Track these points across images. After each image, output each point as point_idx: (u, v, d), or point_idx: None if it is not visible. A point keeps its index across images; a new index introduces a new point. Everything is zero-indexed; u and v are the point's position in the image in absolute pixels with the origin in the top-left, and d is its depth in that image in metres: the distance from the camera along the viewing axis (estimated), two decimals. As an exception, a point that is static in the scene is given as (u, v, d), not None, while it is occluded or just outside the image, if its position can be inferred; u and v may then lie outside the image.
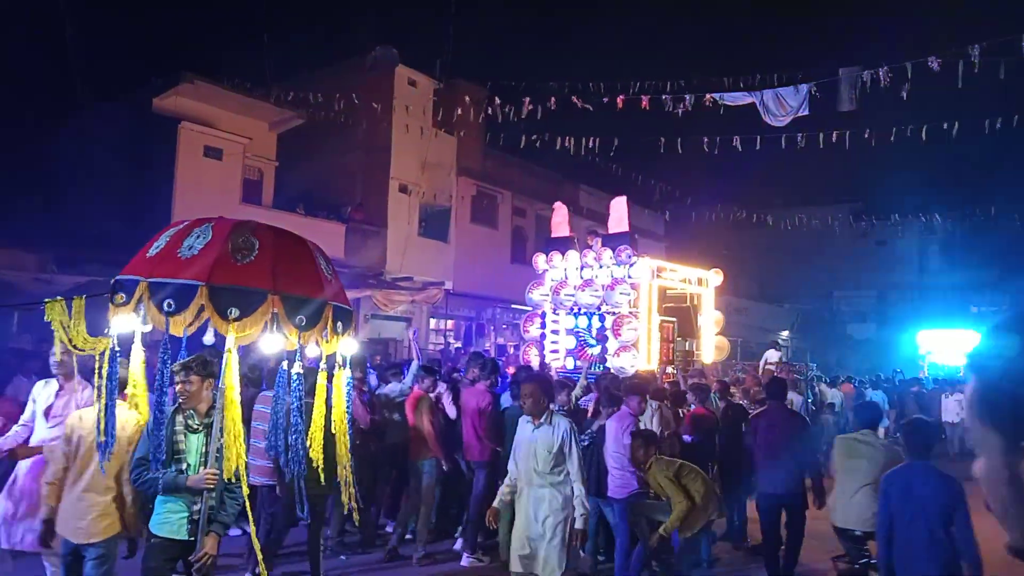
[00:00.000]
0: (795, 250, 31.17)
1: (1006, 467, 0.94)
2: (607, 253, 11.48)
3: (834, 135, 14.02)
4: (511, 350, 20.11)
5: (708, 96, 13.29)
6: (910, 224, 27.69)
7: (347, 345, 3.93)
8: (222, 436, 3.74)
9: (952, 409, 15.44)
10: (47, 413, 5.15)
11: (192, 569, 3.89)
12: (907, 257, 34.12)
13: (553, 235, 13.07)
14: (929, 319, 30.26)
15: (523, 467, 5.06)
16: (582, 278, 11.75)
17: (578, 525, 4.94)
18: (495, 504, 5.28)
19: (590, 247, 12.00)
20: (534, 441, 5.01)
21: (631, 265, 11.29)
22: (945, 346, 28.28)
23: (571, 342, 11.70)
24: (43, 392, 5.25)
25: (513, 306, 21.93)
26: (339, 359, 3.98)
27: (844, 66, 12.64)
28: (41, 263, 12.69)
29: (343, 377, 4.05)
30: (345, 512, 5.97)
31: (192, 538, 3.91)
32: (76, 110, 17.82)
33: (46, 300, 3.41)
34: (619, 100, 13.65)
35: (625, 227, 12.00)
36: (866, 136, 13.96)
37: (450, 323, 21.09)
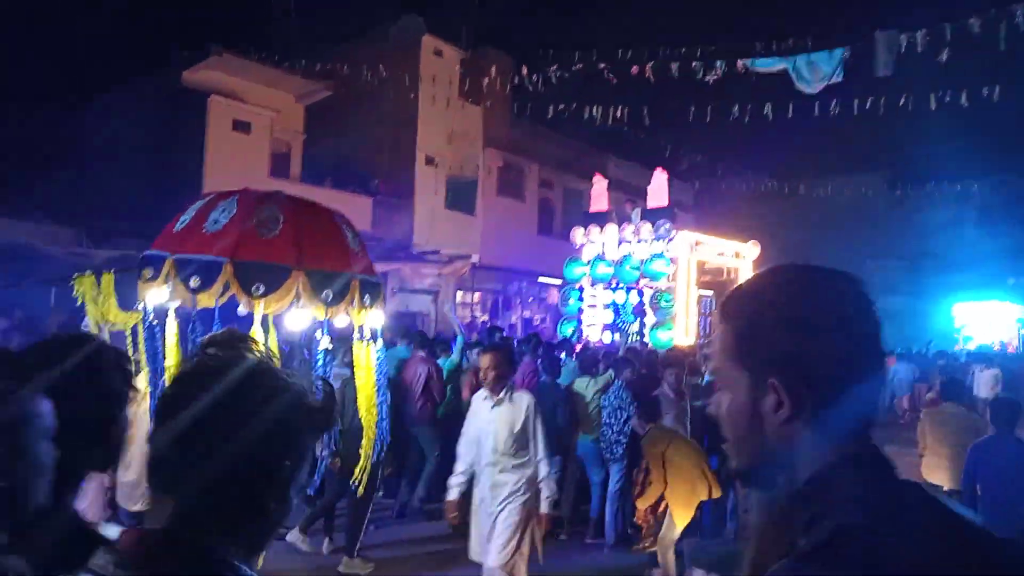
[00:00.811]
0: (828, 219, 30.60)
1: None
2: (646, 227, 11.53)
3: (868, 102, 13.64)
4: (537, 322, 20.14)
5: (739, 63, 13.00)
6: (945, 193, 27.06)
7: (375, 317, 3.93)
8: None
9: (987, 383, 14.56)
10: None
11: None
12: (942, 226, 33.36)
13: (591, 209, 13.21)
14: (964, 290, 29.67)
15: (481, 450, 4.56)
16: (619, 252, 11.72)
17: (544, 509, 4.55)
18: (451, 498, 4.72)
19: (629, 220, 11.95)
20: (493, 421, 4.53)
21: (670, 239, 11.35)
22: (980, 318, 27.75)
23: (609, 316, 11.75)
24: None
25: (540, 279, 21.91)
26: (367, 332, 3.99)
27: (880, 29, 12.27)
28: (76, 237, 12.89)
29: (371, 350, 4.06)
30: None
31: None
32: (107, 85, 17.98)
33: (75, 275, 3.45)
34: (647, 68, 13.41)
35: (665, 201, 12.09)
36: (902, 103, 13.58)
37: (477, 296, 21.12)
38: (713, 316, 1.16)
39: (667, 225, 11.42)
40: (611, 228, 12.04)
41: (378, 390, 4.20)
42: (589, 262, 12.06)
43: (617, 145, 23.57)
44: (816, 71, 12.77)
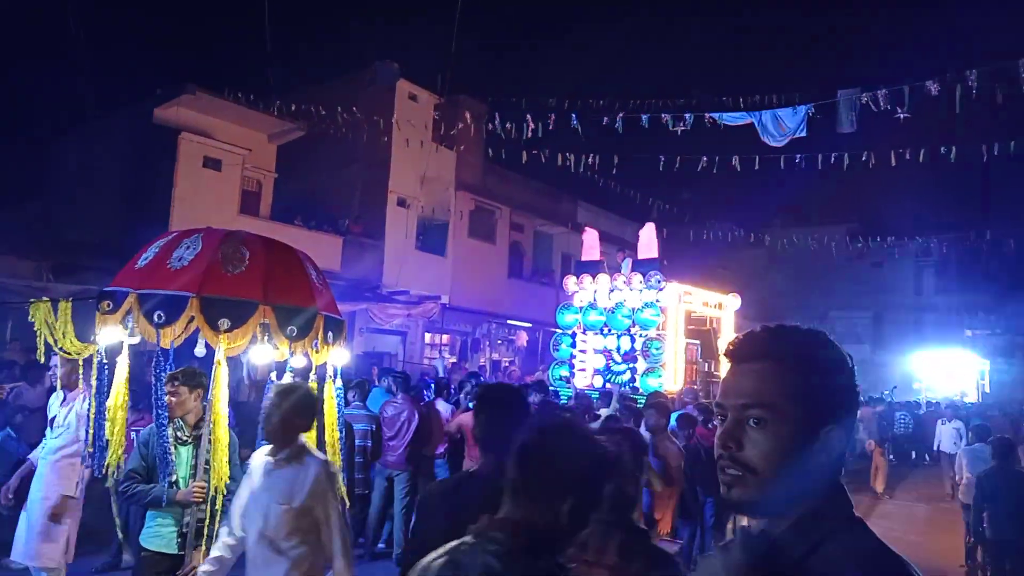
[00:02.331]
0: (792, 270, 31.21)
1: None
2: (637, 277, 12.06)
3: (832, 157, 14.04)
4: (505, 364, 20.09)
5: (707, 116, 13.34)
6: (906, 246, 27.78)
7: (337, 355, 3.91)
8: (210, 448, 3.72)
9: (949, 437, 14.11)
10: (51, 423, 5.12)
11: (179, 583, 3.84)
12: (902, 279, 34.17)
13: (583, 258, 13.85)
14: (924, 341, 30.27)
15: (248, 523, 3.28)
16: (611, 300, 12.40)
17: None
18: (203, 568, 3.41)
19: (619, 270, 12.63)
20: (269, 487, 3.23)
21: (660, 289, 11.87)
22: (938, 369, 28.28)
23: (599, 361, 12.26)
24: (54, 402, 5.23)
25: (509, 321, 21.92)
26: (329, 370, 3.97)
27: (843, 88, 12.69)
28: (37, 271, 12.66)
29: (332, 388, 4.04)
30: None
31: (182, 552, 3.88)
32: (78, 120, 17.88)
33: (31, 300, 3.40)
34: (619, 118, 13.69)
35: (655, 253, 12.69)
36: (864, 158, 13.99)
37: (446, 337, 21.05)
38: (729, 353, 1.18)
39: (658, 276, 11.95)
40: (603, 278, 12.58)
41: (339, 428, 4.17)
42: (581, 309, 12.61)
43: (587, 191, 23.91)
44: (781, 125, 13.15)
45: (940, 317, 32.78)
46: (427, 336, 20.37)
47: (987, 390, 28.43)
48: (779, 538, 1.17)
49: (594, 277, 12.71)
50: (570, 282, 13.16)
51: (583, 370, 12.44)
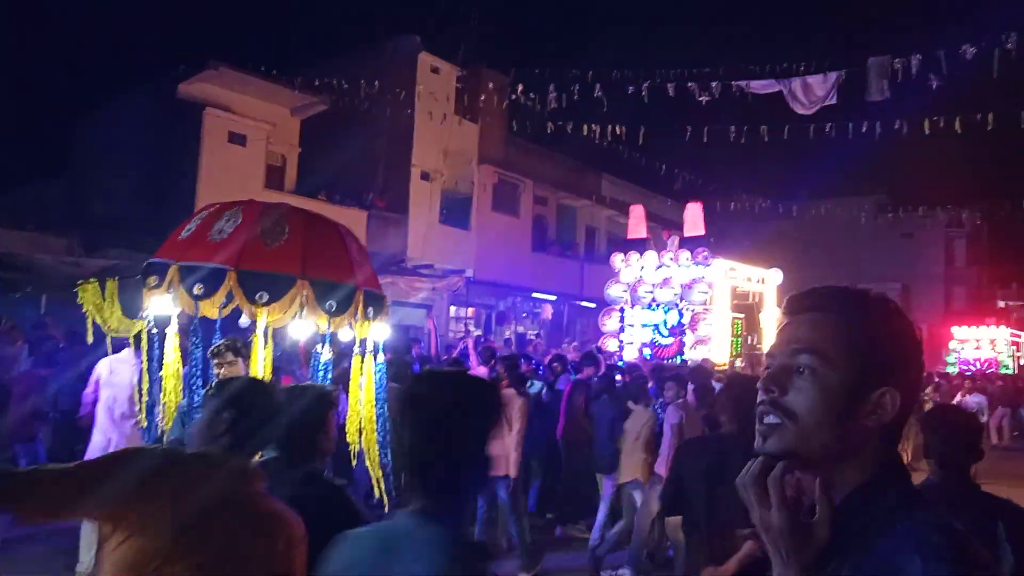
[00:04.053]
0: (821, 241, 30.84)
1: None
2: (684, 254, 12.50)
3: (864, 126, 13.75)
4: (531, 337, 20.12)
5: (735, 84, 13.10)
6: (936, 216, 27.29)
7: (378, 330, 3.90)
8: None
9: (970, 407, 14.21)
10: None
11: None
12: (933, 250, 33.64)
13: (629, 236, 14.28)
14: (955, 313, 29.84)
15: None
16: (658, 275, 12.86)
17: None
18: None
19: (666, 247, 13.06)
20: None
21: (707, 266, 12.30)
22: (972, 340, 27.89)
23: (646, 335, 12.72)
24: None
25: (534, 295, 21.90)
26: (370, 345, 3.95)
27: (874, 55, 12.39)
28: (68, 247, 12.82)
29: (372, 363, 4.03)
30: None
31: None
32: (103, 97, 17.97)
33: (79, 282, 3.42)
34: (643, 88, 13.49)
35: (701, 230, 13.10)
36: (895, 127, 13.69)
37: (471, 311, 21.09)
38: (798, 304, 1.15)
39: (705, 252, 12.37)
40: (651, 254, 13.04)
41: (377, 404, 4.16)
42: (629, 284, 13.09)
43: (611, 164, 23.70)
44: (811, 93, 12.89)
45: (972, 289, 32.26)
46: (452, 309, 20.42)
47: (1022, 362, 28.02)
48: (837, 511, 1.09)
49: (641, 254, 13.12)
50: (617, 259, 13.50)
51: (631, 343, 12.87)
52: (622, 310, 13.19)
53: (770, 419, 1.13)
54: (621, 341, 13.05)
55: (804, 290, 1.22)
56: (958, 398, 14.64)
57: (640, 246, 13.40)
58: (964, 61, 11.13)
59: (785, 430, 1.12)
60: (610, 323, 13.28)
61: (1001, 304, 30.79)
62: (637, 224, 14.19)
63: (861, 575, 1.03)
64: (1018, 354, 28.57)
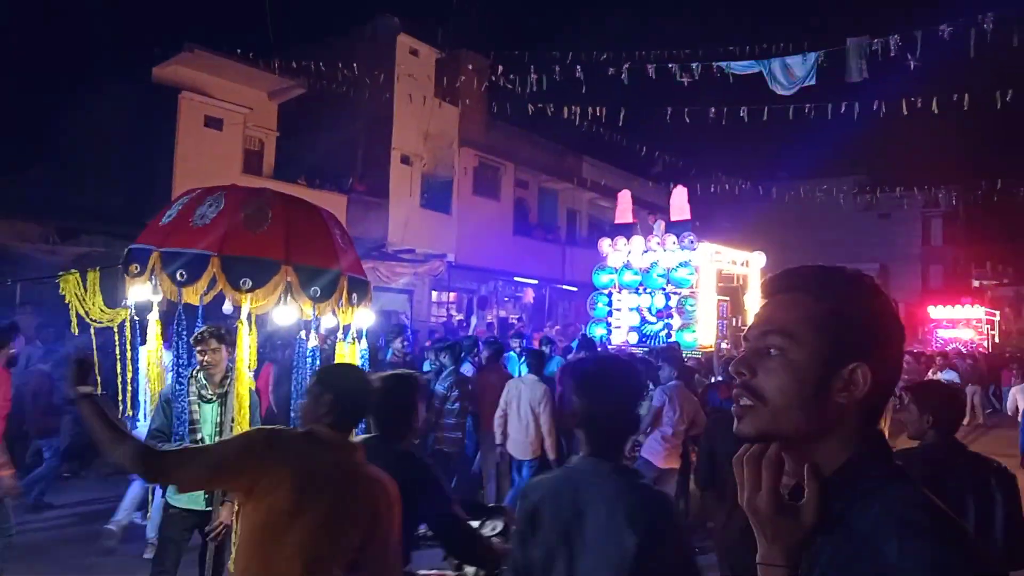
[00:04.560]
0: (798, 221, 31.06)
1: None
2: (670, 238, 12.69)
3: (843, 107, 13.83)
4: (513, 321, 20.14)
5: (715, 65, 13.10)
6: (914, 197, 27.55)
7: (362, 316, 3.88)
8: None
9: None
10: None
11: (207, 539, 3.89)
12: (910, 230, 34.03)
13: (616, 221, 14.57)
14: (932, 292, 30.25)
15: None
16: (645, 260, 13.03)
17: None
18: None
19: (652, 231, 13.26)
20: None
21: (693, 249, 12.46)
22: (950, 319, 28.31)
23: (634, 319, 12.88)
24: None
25: (515, 279, 21.90)
26: (354, 331, 3.94)
27: (852, 36, 12.43)
28: (44, 234, 12.62)
29: (356, 349, 4.02)
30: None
31: (209, 508, 3.91)
32: (76, 81, 17.64)
33: (60, 273, 3.37)
34: (623, 70, 13.47)
35: (687, 215, 13.35)
36: (874, 107, 13.78)
37: (452, 295, 21.06)
38: (767, 285, 1.24)
39: (691, 237, 12.56)
40: (637, 239, 13.22)
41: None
42: (617, 269, 13.23)
43: (592, 146, 23.67)
44: (790, 74, 12.94)
45: (948, 268, 32.68)
46: (434, 294, 20.37)
47: (996, 340, 28.49)
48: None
49: (628, 239, 13.31)
50: (604, 244, 13.71)
51: (619, 327, 13.08)
52: (610, 295, 13.37)
53: (744, 401, 1.14)
54: (609, 324, 13.25)
55: (779, 272, 1.22)
56: (930, 375, 14.86)
57: (627, 231, 13.62)
58: (941, 41, 11.21)
59: (758, 412, 1.12)
60: (599, 307, 13.50)
61: (976, 284, 31.25)
62: (624, 210, 14.44)
63: (841, 555, 1.03)
64: (992, 332, 29.06)
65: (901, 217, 32.69)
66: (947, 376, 14.20)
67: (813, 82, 12.85)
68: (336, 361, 4.16)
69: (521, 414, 6.85)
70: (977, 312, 28.58)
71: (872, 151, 31.24)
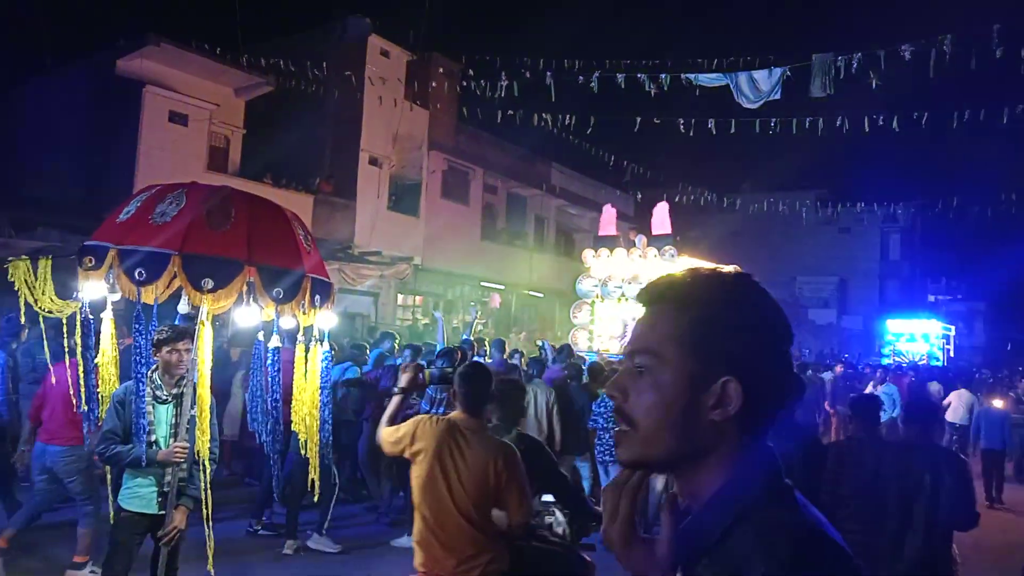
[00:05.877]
0: (761, 234, 31.54)
1: None
2: (651, 251, 13.28)
3: (807, 122, 14.09)
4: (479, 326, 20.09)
5: (683, 76, 13.26)
6: (873, 212, 28.12)
7: (325, 318, 3.84)
8: (193, 408, 3.65)
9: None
10: None
11: (160, 543, 3.81)
12: (869, 245, 34.75)
13: (600, 233, 15.06)
14: (889, 306, 30.89)
15: None
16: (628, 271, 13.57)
17: None
18: None
19: (634, 245, 13.73)
20: None
21: (674, 263, 12.80)
22: (907, 333, 28.88)
23: (618, 328, 13.32)
24: None
25: (482, 284, 21.86)
26: (316, 333, 3.89)
27: (817, 52, 12.68)
28: (-3, 226, 12.29)
29: (318, 352, 3.96)
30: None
31: (162, 511, 3.82)
32: (36, 71, 17.23)
33: (10, 259, 3.26)
34: (594, 79, 13.56)
35: (667, 229, 13.85)
36: (837, 124, 14.06)
37: (418, 299, 20.96)
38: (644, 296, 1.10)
39: (671, 250, 13.17)
40: (620, 251, 13.73)
41: (322, 392, 4.10)
42: (600, 280, 13.78)
43: (561, 153, 23.77)
44: (756, 87, 13.15)
45: (905, 283, 33.43)
46: (399, 297, 20.25)
47: (951, 355, 29.15)
48: (696, 519, 1.03)
49: (611, 250, 13.82)
50: (588, 255, 14.27)
51: (600, 336, 13.66)
52: (594, 304, 13.99)
53: (621, 426, 1.08)
54: (591, 333, 13.91)
55: (649, 281, 1.14)
56: (870, 388, 15.02)
57: (611, 243, 14.19)
58: (902, 61, 11.48)
59: (631, 437, 1.06)
60: (582, 316, 14.09)
61: (932, 299, 32.02)
62: (608, 223, 15.02)
63: None
64: (948, 347, 29.74)
65: (861, 232, 33.39)
66: (886, 389, 14.34)
67: (778, 96, 13.07)
68: (296, 365, 4.10)
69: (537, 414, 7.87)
70: (933, 327, 29.25)
71: (834, 166, 31.89)
